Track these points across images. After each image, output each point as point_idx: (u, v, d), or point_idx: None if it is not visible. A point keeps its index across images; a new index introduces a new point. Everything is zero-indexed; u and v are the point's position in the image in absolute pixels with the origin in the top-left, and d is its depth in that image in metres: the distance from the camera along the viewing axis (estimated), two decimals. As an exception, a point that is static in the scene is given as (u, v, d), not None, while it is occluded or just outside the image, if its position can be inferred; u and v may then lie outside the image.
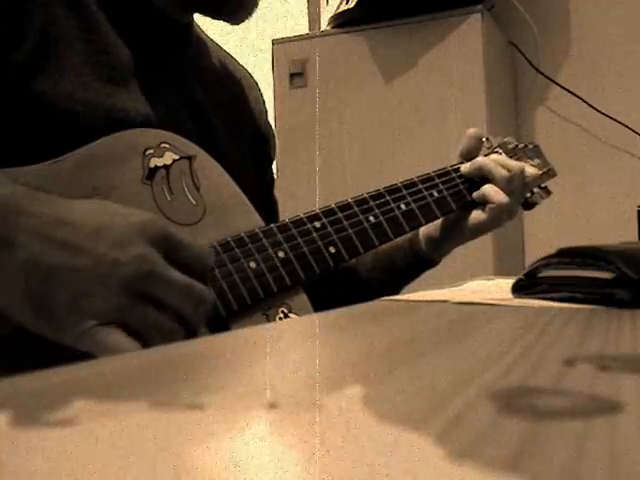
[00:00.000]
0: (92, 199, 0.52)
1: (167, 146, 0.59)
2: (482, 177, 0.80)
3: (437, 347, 0.28)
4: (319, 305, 0.64)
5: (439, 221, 0.81)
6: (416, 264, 0.83)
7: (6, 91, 0.55)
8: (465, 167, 0.81)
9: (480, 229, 0.81)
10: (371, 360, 0.25)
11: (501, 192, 0.78)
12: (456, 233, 0.81)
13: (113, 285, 0.45)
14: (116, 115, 0.59)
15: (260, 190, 0.78)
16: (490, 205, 0.78)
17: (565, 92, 1.85)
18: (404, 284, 0.86)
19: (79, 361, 0.23)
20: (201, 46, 0.77)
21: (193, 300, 0.49)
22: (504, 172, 0.80)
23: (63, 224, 0.46)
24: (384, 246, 0.81)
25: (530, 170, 0.84)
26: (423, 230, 0.82)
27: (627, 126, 1.78)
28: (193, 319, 0.49)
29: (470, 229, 0.80)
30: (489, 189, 0.79)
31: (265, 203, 0.79)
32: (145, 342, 0.47)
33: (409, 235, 0.81)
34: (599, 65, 1.84)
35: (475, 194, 0.80)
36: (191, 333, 0.49)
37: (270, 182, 0.86)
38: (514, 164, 0.81)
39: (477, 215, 0.80)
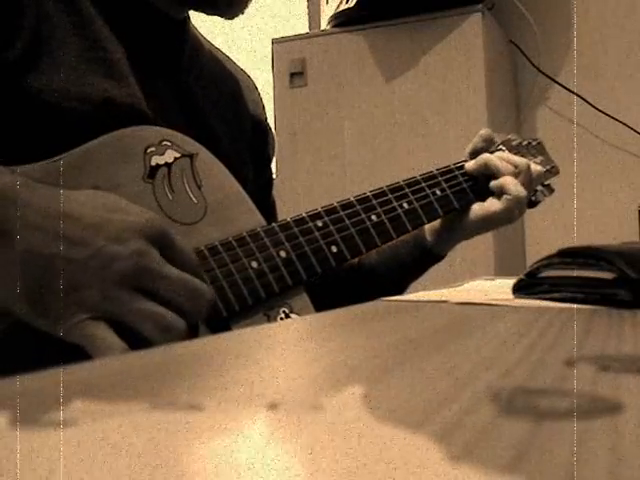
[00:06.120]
0: (94, 191, 0.52)
1: (168, 144, 0.59)
2: (488, 174, 0.79)
3: (437, 347, 0.28)
4: (321, 304, 0.63)
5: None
6: (422, 258, 0.82)
7: (0, 89, 0.55)
8: (470, 165, 0.80)
9: (491, 220, 0.78)
10: (371, 360, 0.25)
11: (519, 184, 0.77)
12: (460, 227, 0.79)
13: (109, 278, 0.45)
14: (113, 111, 0.59)
15: (258, 190, 0.78)
16: (507, 196, 0.76)
17: (566, 91, 1.85)
18: (410, 280, 0.84)
19: (75, 359, 0.23)
20: (198, 46, 0.76)
21: (192, 294, 0.49)
22: (511, 168, 0.78)
23: (63, 217, 0.46)
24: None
25: (535, 167, 0.83)
26: (427, 225, 0.81)
27: (628, 125, 1.78)
28: (193, 313, 0.49)
29: (479, 220, 0.78)
30: (509, 180, 0.77)
31: (263, 203, 0.79)
32: (141, 337, 0.46)
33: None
34: (600, 64, 1.84)
35: (493, 183, 0.78)
36: (192, 328, 0.49)
37: (268, 182, 0.86)
38: (519, 160, 0.80)
39: (491, 204, 0.77)
